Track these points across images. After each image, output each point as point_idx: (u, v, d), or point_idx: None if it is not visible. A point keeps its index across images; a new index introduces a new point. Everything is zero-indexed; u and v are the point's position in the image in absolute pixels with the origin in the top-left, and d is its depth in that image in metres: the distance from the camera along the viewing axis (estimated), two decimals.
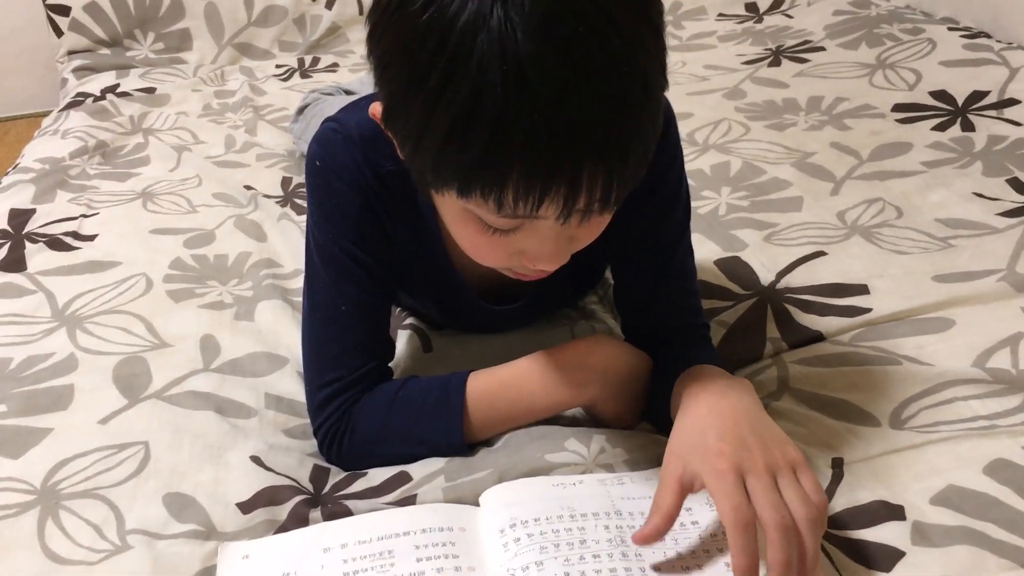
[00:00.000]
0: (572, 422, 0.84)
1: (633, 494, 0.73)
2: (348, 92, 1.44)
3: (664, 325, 0.85)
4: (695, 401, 0.69)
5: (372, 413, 0.79)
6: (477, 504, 0.73)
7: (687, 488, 0.64)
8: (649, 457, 0.78)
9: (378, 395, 0.80)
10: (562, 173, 0.57)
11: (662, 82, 0.61)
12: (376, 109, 0.65)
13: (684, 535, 0.69)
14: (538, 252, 0.66)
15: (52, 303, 1.06)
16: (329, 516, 0.73)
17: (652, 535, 0.64)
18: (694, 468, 0.64)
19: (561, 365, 0.79)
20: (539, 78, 0.54)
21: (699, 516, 0.71)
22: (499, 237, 0.65)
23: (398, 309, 1.02)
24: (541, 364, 0.79)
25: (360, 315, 0.79)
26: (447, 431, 0.78)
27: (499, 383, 0.79)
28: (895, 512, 0.70)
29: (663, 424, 0.80)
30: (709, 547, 0.68)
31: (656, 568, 0.66)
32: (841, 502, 0.72)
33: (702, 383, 0.71)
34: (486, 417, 0.79)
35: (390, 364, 0.84)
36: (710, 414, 0.67)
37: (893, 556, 0.66)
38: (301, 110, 1.44)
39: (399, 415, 0.79)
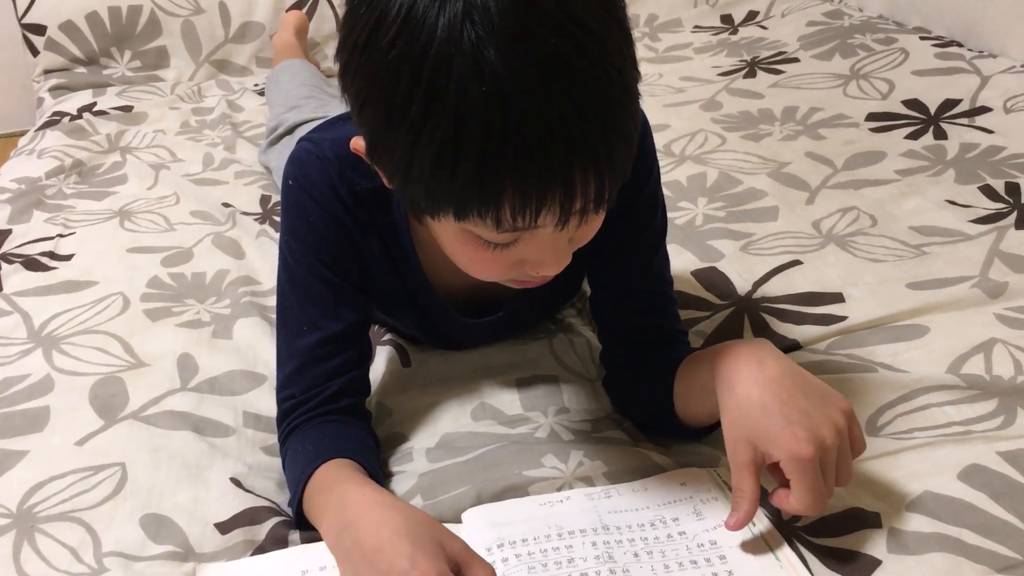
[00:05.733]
0: (549, 437, 0.84)
1: (621, 507, 0.73)
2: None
3: (643, 332, 0.85)
4: (737, 376, 0.68)
5: (284, 449, 0.80)
6: (457, 521, 0.73)
7: (760, 468, 0.67)
8: (628, 468, 0.78)
9: (296, 436, 0.79)
10: (556, 181, 0.57)
11: (635, 74, 0.61)
12: (358, 144, 0.66)
13: (671, 547, 0.69)
14: (540, 259, 0.66)
15: (28, 324, 1.05)
16: (308, 538, 0.73)
17: (744, 520, 0.67)
18: (766, 450, 0.66)
19: (398, 531, 0.65)
20: (519, 92, 0.54)
21: (686, 527, 0.71)
22: (499, 252, 0.65)
23: (376, 325, 1.02)
24: (382, 515, 0.67)
25: (319, 338, 0.79)
26: (292, 504, 0.76)
27: (338, 501, 0.70)
28: (872, 520, 0.70)
29: (671, 427, 0.81)
30: (696, 558, 0.68)
31: None
32: None
33: (731, 356, 0.69)
34: (312, 514, 0.74)
35: (368, 376, 0.85)
36: (760, 388, 0.66)
37: (870, 564, 0.67)
38: (273, 140, 1.44)
39: (288, 467, 0.79)
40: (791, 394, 0.66)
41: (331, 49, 1.99)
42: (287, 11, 1.96)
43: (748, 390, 0.67)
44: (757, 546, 0.69)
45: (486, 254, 0.65)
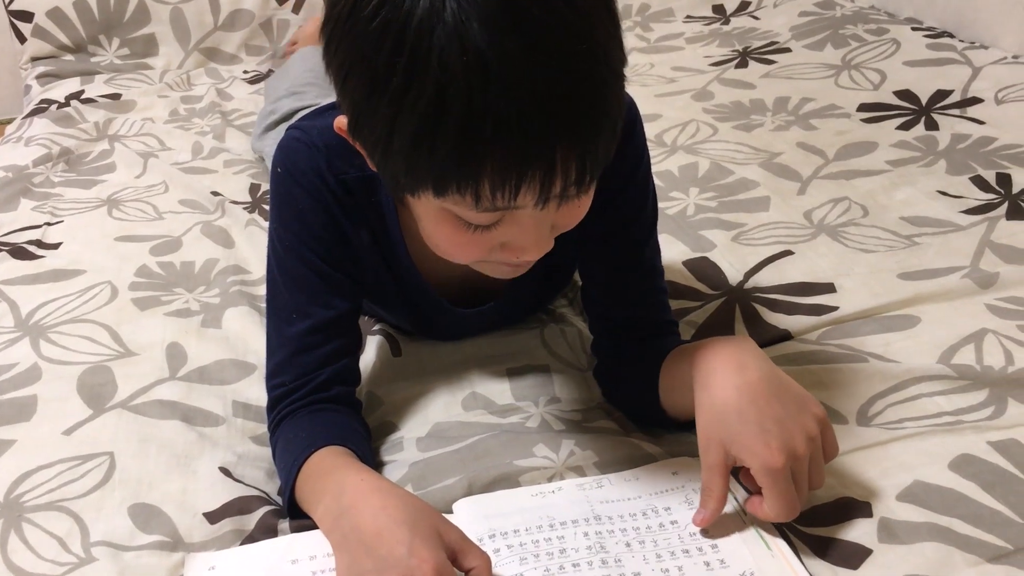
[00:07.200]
0: (540, 427, 0.84)
1: (612, 496, 0.73)
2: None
3: (634, 322, 0.85)
4: (715, 378, 0.68)
5: (275, 438, 0.79)
6: (448, 511, 0.73)
7: (730, 469, 0.68)
8: (619, 457, 0.78)
9: (287, 424, 0.78)
10: (536, 158, 0.57)
11: (621, 56, 0.61)
12: (341, 122, 0.65)
13: (663, 536, 0.69)
14: (521, 243, 0.65)
15: (15, 312, 1.04)
16: (297, 528, 0.73)
17: (710, 518, 0.69)
18: (738, 455, 0.66)
19: (396, 518, 0.64)
20: (501, 65, 0.53)
21: (678, 516, 0.71)
22: (479, 233, 0.64)
23: (366, 316, 1.01)
24: (381, 500, 0.66)
25: (310, 326, 0.79)
26: (284, 491, 0.76)
27: (335, 486, 0.69)
28: (862, 509, 0.70)
29: (659, 418, 0.81)
30: (688, 547, 0.68)
31: (636, 573, 0.66)
32: (809, 500, 0.72)
33: (710, 355, 0.70)
34: (306, 500, 0.74)
35: (358, 365, 0.84)
36: (738, 393, 0.66)
37: (861, 553, 0.67)
38: (269, 126, 1.43)
39: (279, 455, 0.78)
40: (768, 401, 0.66)
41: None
42: None
43: (725, 393, 0.67)
44: (748, 535, 0.69)
45: (466, 236, 0.65)
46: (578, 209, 0.67)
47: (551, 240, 0.67)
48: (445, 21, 0.53)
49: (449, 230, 0.65)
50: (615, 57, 0.59)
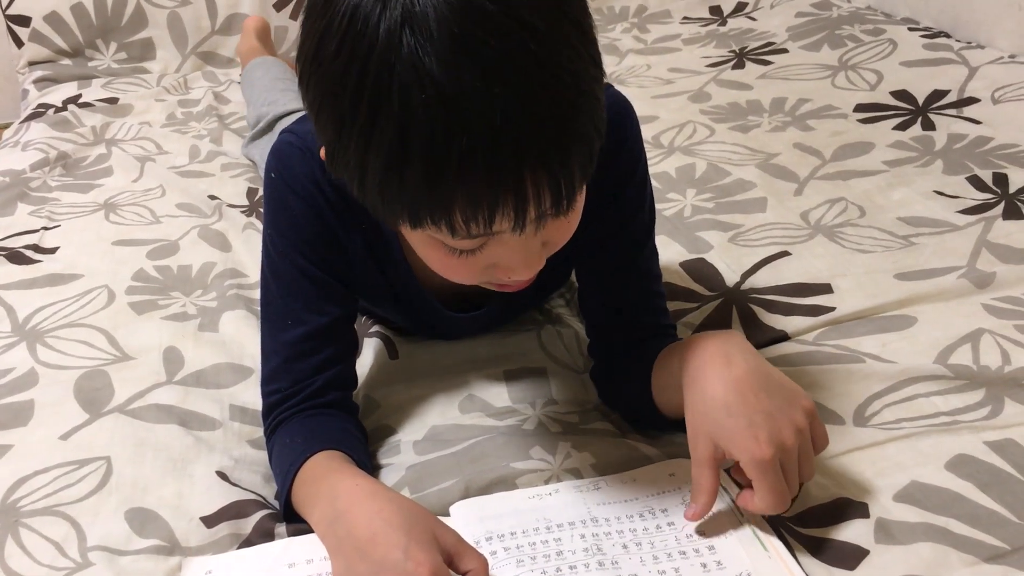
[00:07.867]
0: (537, 429, 0.84)
1: (609, 499, 0.73)
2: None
3: (630, 326, 0.85)
4: (703, 373, 0.68)
5: (271, 443, 0.79)
6: (445, 514, 0.73)
7: (720, 463, 0.68)
8: (616, 459, 0.78)
9: (283, 430, 0.78)
10: (505, 186, 0.56)
11: (595, 73, 0.60)
12: (323, 154, 0.65)
13: (660, 537, 0.69)
14: (510, 264, 0.65)
15: (12, 317, 1.04)
16: (294, 532, 0.73)
17: (701, 512, 0.69)
18: (727, 449, 0.67)
19: (391, 522, 0.64)
20: (460, 98, 0.53)
21: (674, 517, 0.71)
22: (467, 257, 0.64)
23: (363, 317, 1.02)
24: (376, 505, 0.66)
25: (304, 332, 0.79)
26: (281, 496, 0.76)
27: (329, 491, 0.69)
28: (859, 510, 0.70)
29: (655, 419, 0.81)
30: (685, 548, 0.68)
31: (632, 575, 0.66)
32: (805, 500, 0.72)
33: (699, 351, 0.70)
34: (301, 506, 0.74)
35: (354, 369, 0.84)
36: (725, 387, 0.66)
37: (857, 554, 0.67)
38: (256, 135, 1.43)
39: (275, 460, 0.78)
40: (756, 394, 0.66)
41: None
42: (248, 18, 1.93)
43: (713, 388, 0.67)
44: (745, 536, 0.69)
45: (455, 260, 0.65)
46: (567, 226, 0.66)
47: (542, 259, 0.67)
48: (403, 58, 0.53)
49: (438, 255, 0.65)
50: (586, 76, 0.58)
